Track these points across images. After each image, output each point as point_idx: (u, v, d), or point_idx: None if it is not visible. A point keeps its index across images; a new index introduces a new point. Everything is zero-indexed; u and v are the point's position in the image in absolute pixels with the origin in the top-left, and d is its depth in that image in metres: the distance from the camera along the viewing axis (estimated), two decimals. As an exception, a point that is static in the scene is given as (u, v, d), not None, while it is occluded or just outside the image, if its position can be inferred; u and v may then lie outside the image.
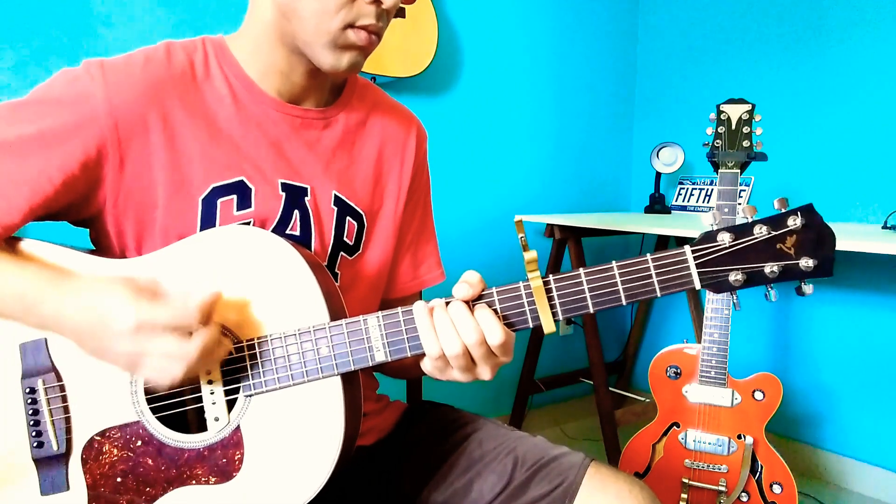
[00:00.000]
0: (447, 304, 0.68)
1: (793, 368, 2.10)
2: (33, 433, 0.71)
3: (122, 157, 0.72)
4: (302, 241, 0.80)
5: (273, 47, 0.78)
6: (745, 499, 1.49)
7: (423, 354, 0.69)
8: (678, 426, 1.55)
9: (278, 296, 0.70)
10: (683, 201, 2.32)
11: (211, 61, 0.79)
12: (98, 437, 0.72)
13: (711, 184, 2.26)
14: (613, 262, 0.66)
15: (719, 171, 1.43)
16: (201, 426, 0.71)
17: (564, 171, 2.40)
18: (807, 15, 2.03)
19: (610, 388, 2.02)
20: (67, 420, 0.72)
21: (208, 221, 0.76)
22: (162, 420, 0.71)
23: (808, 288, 0.65)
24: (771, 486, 1.47)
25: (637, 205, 2.59)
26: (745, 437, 1.48)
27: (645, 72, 2.56)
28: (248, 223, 0.77)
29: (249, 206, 0.77)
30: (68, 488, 0.72)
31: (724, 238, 0.65)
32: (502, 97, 2.20)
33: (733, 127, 1.42)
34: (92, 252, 0.76)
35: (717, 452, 1.51)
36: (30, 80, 1.43)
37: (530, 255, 0.67)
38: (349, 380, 0.71)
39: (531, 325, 0.68)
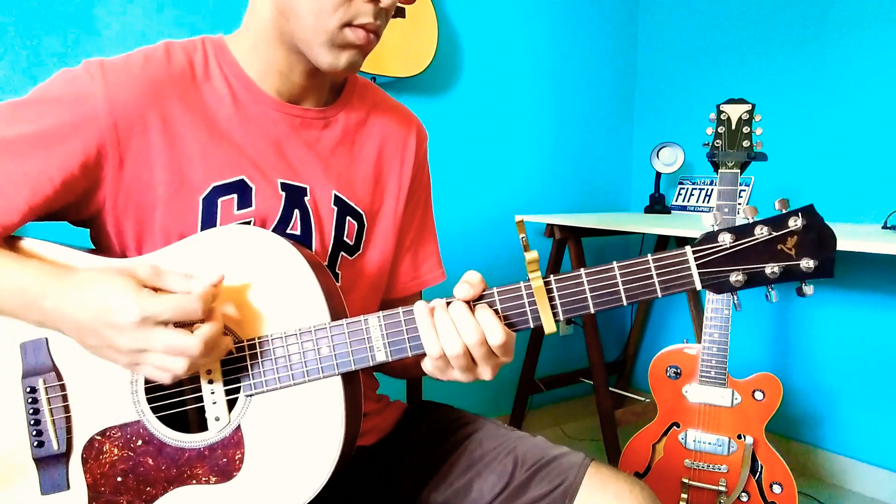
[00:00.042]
0: (448, 304, 0.68)
1: (793, 368, 2.10)
2: (34, 432, 0.71)
3: (122, 156, 0.72)
4: (302, 241, 0.80)
5: (272, 47, 0.78)
6: (745, 499, 1.49)
7: (424, 354, 0.69)
8: (678, 426, 1.55)
9: (279, 295, 0.70)
10: (683, 201, 2.32)
11: (210, 61, 0.79)
12: (98, 437, 0.72)
13: (711, 184, 2.26)
14: (614, 262, 0.66)
15: (719, 171, 1.43)
16: (202, 426, 0.71)
17: (564, 171, 2.40)
18: (807, 15, 2.03)
19: (610, 388, 2.02)
20: (68, 419, 0.72)
21: (209, 221, 0.76)
22: (162, 419, 0.71)
23: (808, 289, 0.65)
24: (771, 486, 1.47)
25: (637, 205, 2.59)
26: (745, 437, 1.48)
27: (645, 72, 2.56)
28: (249, 222, 0.77)
29: (250, 206, 0.77)
30: (68, 488, 0.72)
31: (725, 239, 0.65)
32: (502, 97, 2.20)
33: (733, 127, 1.42)
34: (92, 252, 0.76)
35: (717, 452, 1.51)
36: (29, 80, 1.43)
37: (531, 255, 0.67)
38: (350, 380, 0.71)
39: (532, 326, 0.68)
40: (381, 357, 0.69)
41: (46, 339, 0.72)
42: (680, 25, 2.42)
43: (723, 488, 1.50)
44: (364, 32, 0.74)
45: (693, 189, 2.32)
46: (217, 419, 0.70)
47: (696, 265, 0.65)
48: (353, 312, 0.73)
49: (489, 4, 2.13)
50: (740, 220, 1.35)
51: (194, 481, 0.71)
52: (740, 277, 0.64)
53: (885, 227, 1.67)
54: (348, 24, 0.73)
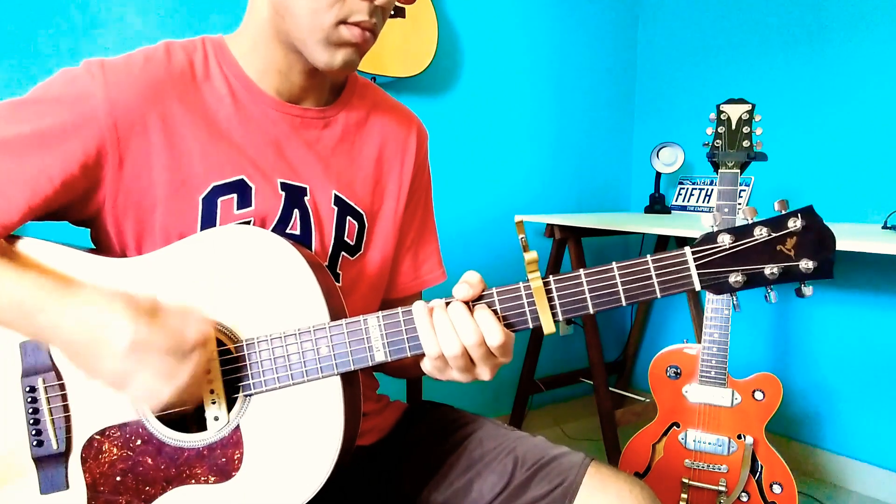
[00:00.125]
0: (447, 304, 0.68)
1: (793, 368, 2.10)
2: (33, 432, 0.71)
3: (122, 156, 0.72)
4: (302, 241, 0.80)
5: (270, 46, 0.78)
6: (745, 499, 1.49)
7: (423, 354, 0.69)
8: (678, 426, 1.55)
9: (278, 295, 0.70)
10: (683, 201, 2.32)
11: (210, 61, 0.79)
12: (98, 436, 0.72)
13: (711, 184, 2.26)
14: (613, 262, 0.66)
15: (719, 171, 1.43)
16: (201, 425, 0.71)
17: (564, 171, 2.40)
18: (807, 15, 2.03)
19: (610, 388, 2.02)
20: (67, 419, 0.72)
21: (209, 220, 0.76)
22: (161, 419, 0.71)
23: (807, 290, 0.65)
24: (771, 486, 1.47)
25: (637, 205, 2.59)
26: (745, 437, 1.48)
27: (645, 72, 2.56)
28: (249, 222, 0.77)
29: (249, 205, 0.77)
30: (68, 487, 0.72)
31: (725, 239, 0.65)
32: (502, 97, 2.20)
33: (733, 127, 1.42)
34: (92, 251, 0.76)
35: (717, 452, 1.51)
36: (29, 80, 1.43)
37: (531, 255, 0.67)
38: (349, 380, 0.71)
39: (531, 326, 0.68)
40: (380, 357, 0.69)
41: (46, 339, 0.72)
42: (680, 25, 2.41)
43: (723, 488, 1.50)
44: (359, 30, 0.74)
45: (693, 189, 2.32)
46: (216, 419, 0.70)
47: (696, 266, 0.65)
48: (353, 313, 0.73)
49: (489, 4, 2.13)
50: (740, 221, 1.35)
51: (193, 481, 0.71)
52: (739, 278, 0.64)
53: (885, 227, 1.67)
54: (343, 22, 0.73)
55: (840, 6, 1.95)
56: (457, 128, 2.10)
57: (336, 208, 0.83)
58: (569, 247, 2.00)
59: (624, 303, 0.66)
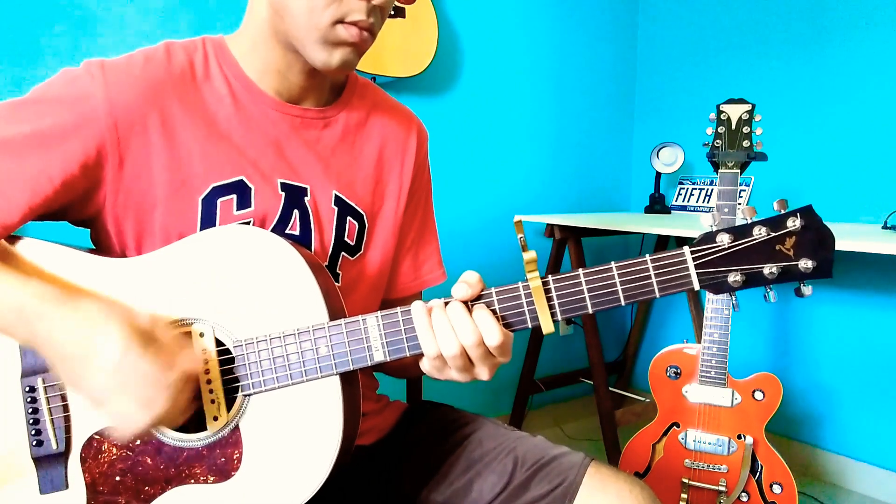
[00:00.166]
0: (446, 304, 0.68)
1: (793, 368, 2.10)
2: (33, 432, 0.71)
3: (122, 156, 0.72)
4: (302, 241, 0.80)
5: (270, 46, 0.78)
6: (745, 499, 1.49)
7: (422, 354, 0.69)
8: (678, 426, 1.55)
9: (277, 295, 0.70)
10: (683, 201, 2.32)
11: (211, 61, 0.79)
12: (97, 436, 0.72)
13: (711, 184, 2.26)
14: (612, 262, 0.66)
15: (719, 171, 1.43)
16: (200, 425, 0.71)
17: (564, 171, 2.40)
18: (807, 15, 2.03)
19: (610, 388, 2.02)
20: (67, 419, 0.72)
21: (208, 221, 0.76)
22: (161, 419, 0.71)
23: (807, 289, 0.65)
24: (771, 486, 1.47)
25: (637, 205, 2.59)
26: (745, 437, 1.48)
27: (645, 72, 2.56)
28: (248, 222, 0.77)
29: (249, 206, 0.77)
30: (67, 487, 0.72)
31: (724, 239, 0.65)
32: (502, 97, 2.20)
33: (733, 127, 1.42)
34: (92, 251, 0.76)
35: (717, 452, 1.51)
36: (29, 80, 1.43)
37: (529, 255, 0.67)
38: (348, 379, 0.71)
39: (530, 326, 0.68)
40: (379, 357, 0.69)
41: (46, 339, 0.72)
42: (680, 25, 2.41)
43: (723, 488, 1.50)
44: (357, 30, 0.73)
45: (693, 189, 2.32)
46: (215, 419, 0.70)
47: (695, 265, 0.65)
48: (353, 313, 0.73)
49: (489, 4, 2.13)
50: (740, 221, 1.35)
51: (192, 481, 0.71)
52: (738, 278, 0.64)
53: (884, 227, 1.67)
54: (341, 21, 0.72)
55: (840, 6, 1.95)
56: (457, 128, 2.10)
57: (336, 208, 0.83)
58: (569, 247, 2.00)
59: (623, 302, 0.66)
